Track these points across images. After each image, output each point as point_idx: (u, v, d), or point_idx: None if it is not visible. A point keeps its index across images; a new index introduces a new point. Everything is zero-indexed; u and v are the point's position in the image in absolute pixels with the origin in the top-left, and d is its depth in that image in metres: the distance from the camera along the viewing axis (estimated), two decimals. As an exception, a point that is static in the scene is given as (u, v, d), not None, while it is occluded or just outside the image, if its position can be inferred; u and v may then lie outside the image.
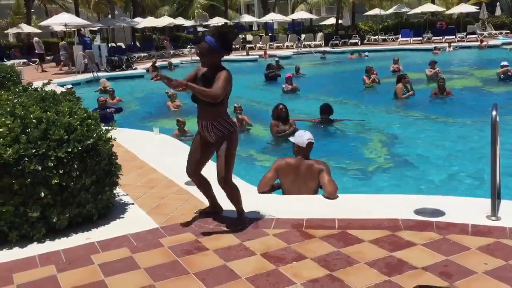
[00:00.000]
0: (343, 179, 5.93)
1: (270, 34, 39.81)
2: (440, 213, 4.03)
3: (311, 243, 3.69)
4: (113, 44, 31.03)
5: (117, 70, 21.81)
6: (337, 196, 4.54)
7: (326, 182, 4.59)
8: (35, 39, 26.47)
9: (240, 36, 39.75)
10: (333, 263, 3.35)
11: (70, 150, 3.85)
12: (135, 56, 27.48)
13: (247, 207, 4.35)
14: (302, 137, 4.93)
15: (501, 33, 33.29)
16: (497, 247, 3.44)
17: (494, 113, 3.88)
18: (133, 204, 4.64)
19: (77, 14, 30.95)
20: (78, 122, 4.06)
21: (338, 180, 4.74)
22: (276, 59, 21.29)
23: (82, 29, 30.23)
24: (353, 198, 4.61)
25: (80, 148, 3.92)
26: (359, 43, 33.32)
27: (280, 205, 4.43)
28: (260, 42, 35.73)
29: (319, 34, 35.76)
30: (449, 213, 4.01)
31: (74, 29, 30.03)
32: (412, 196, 4.72)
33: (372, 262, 3.32)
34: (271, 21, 41.48)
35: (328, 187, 4.56)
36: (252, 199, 4.55)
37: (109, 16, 34.33)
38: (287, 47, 34.14)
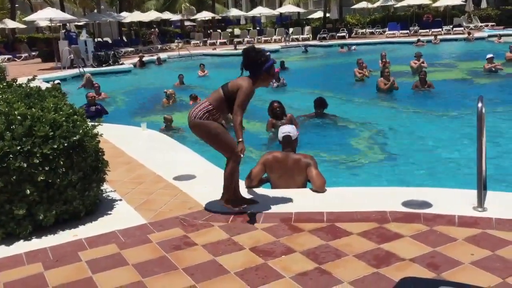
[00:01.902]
0: (332, 172, 5.94)
1: (258, 28, 39.76)
2: (427, 204, 4.06)
3: (300, 236, 3.70)
4: (100, 39, 30.76)
5: (103, 65, 21.63)
6: (326, 190, 4.55)
7: (314, 176, 4.59)
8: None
9: (227, 30, 39.64)
10: (322, 256, 3.36)
11: (55, 146, 3.81)
12: (122, 51, 27.26)
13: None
14: (280, 131, 4.96)
15: (487, 26, 33.54)
16: (483, 238, 3.48)
17: (480, 105, 3.91)
18: (121, 200, 4.61)
19: (63, 9, 30.58)
20: (63, 118, 4.01)
21: (326, 174, 4.75)
22: (282, 60, 21.07)
23: (67, 24, 29.85)
24: (341, 191, 4.63)
25: (66, 144, 3.88)
26: (346, 37, 33.38)
27: (269, 199, 4.43)
28: (248, 36, 35.65)
29: (307, 28, 35.76)
30: (436, 205, 4.03)
31: (59, 24, 29.69)
32: (400, 188, 4.74)
33: (360, 255, 3.34)
34: (259, 15, 41.38)
35: (317, 180, 4.57)
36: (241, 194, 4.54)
37: (95, 10, 34.00)
38: (275, 41, 34.11)
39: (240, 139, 3.87)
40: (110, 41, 31.06)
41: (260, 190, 4.74)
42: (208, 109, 3.99)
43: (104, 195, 4.66)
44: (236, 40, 33.82)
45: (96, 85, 14.14)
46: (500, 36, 24.88)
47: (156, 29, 38.24)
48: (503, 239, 3.43)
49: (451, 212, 3.88)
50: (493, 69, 14.51)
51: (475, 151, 3.92)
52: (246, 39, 34.82)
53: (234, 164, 4.08)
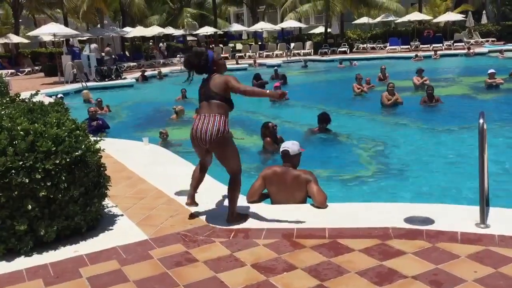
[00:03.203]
0: (333, 187, 5.93)
1: (259, 43, 40.01)
2: (430, 221, 4.04)
3: (302, 253, 3.68)
4: (103, 54, 30.95)
5: (106, 80, 21.74)
6: (327, 205, 4.54)
7: (315, 192, 4.59)
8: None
9: (229, 45, 39.88)
10: (324, 273, 3.34)
11: (58, 162, 3.81)
12: (124, 66, 27.42)
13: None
14: (281, 146, 5.06)
15: (487, 41, 33.70)
16: (486, 255, 3.45)
17: (481, 121, 3.92)
18: (122, 215, 4.60)
19: (66, 24, 30.86)
20: (66, 134, 4.02)
21: (328, 189, 4.74)
22: (275, 68, 21.21)
23: (70, 39, 30.08)
24: (343, 207, 4.61)
25: (68, 159, 3.88)
26: (348, 52, 33.56)
27: (270, 214, 4.42)
28: (250, 51, 35.86)
29: (308, 43, 35.98)
30: (438, 221, 4.02)
31: (62, 39, 29.92)
32: (402, 204, 4.73)
33: (363, 272, 3.32)
34: (261, 30, 41.66)
35: (318, 196, 4.56)
36: (242, 209, 4.54)
37: (98, 25, 34.27)
38: (277, 56, 34.29)
39: (267, 91, 4.28)
40: (113, 56, 31.23)
41: (261, 206, 4.74)
42: (225, 121, 4.10)
43: (105, 210, 4.66)
44: (238, 55, 34.02)
45: (98, 99, 14.21)
46: (503, 51, 24.98)
47: (165, 44, 38.53)
48: (506, 256, 3.41)
49: (453, 228, 3.87)
50: (494, 84, 14.55)
51: (477, 166, 3.91)
52: (248, 54, 35.01)
53: (239, 178, 4.24)
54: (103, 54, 24.43)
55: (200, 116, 4.17)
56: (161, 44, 38.56)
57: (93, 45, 26.60)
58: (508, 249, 3.50)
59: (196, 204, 4.36)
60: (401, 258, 3.49)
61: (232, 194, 4.27)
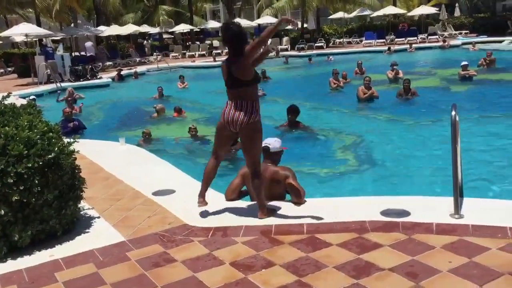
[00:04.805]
0: (311, 183, 5.96)
1: (236, 39, 39.78)
2: (406, 213, 4.09)
3: (280, 249, 3.69)
4: (77, 53, 30.48)
5: (81, 80, 21.42)
6: (305, 201, 4.55)
7: (293, 188, 4.60)
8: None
9: (206, 42, 39.66)
10: (302, 268, 3.35)
11: (30, 165, 3.74)
12: (100, 65, 27.05)
13: (215, 215, 4.35)
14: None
15: (460, 33, 34.23)
16: (461, 245, 3.51)
17: (453, 113, 3.99)
18: (99, 217, 4.54)
19: (39, 23, 30.23)
20: (38, 136, 3.95)
21: (305, 184, 4.76)
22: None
23: (44, 39, 29.51)
24: (320, 202, 4.64)
25: (40, 163, 3.82)
26: (324, 46, 33.70)
27: (249, 212, 4.42)
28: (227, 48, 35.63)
29: (285, 38, 36.01)
30: (414, 213, 4.07)
31: (35, 39, 29.35)
32: (379, 197, 4.77)
33: (340, 266, 3.35)
34: (237, 27, 41.44)
35: (296, 192, 4.57)
36: (221, 207, 4.53)
37: (72, 25, 33.70)
38: (254, 52, 34.16)
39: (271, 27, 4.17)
40: (106, 54, 30.77)
41: (239, 203, 4.73)
42: (257, 108, 4.18)
43: (81, 213, 4.59)
44: (215, 52, 33.85)
45: (69, 89, 14.05)
46: (475, 43, 25.44)
47: (149, 41, 38.11)
48: (480, 245, 3.47)
49: (429, 220, 3.93)
50: (467, 75, 14.80)
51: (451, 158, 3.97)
52: (225, 51, 34.85)
53: (259, 177, 4.25)
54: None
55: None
56: (145, 42, 38.17)
57: (89, 43, 26.48)
58: (482, 239, 3.57)
59: (206, 204, 4.36)
60: (378, 251, 3.53)
61: (260, 188, 4.27)
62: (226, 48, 4.31)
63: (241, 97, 4.16)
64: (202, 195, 4.39)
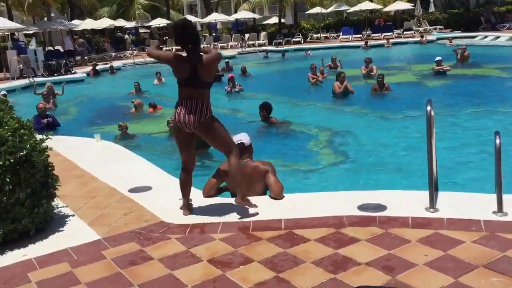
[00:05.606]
0: (289, 178, 5.95)
1: (214, 34, 39.63)
2: (382, 207, 4.13)
3: (258, 245, 3.68)
4: (51, 48, 29.89)
5: (55, 75, 21.01)
6: (284, 196, 4.55)
7: (272, 183, 4.59)
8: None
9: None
10: (280, 264, 3.35)
11: (1, 163, 3.64)
12: (78, 59, 26.60)
13: (193, 212, 4.32)
14: (234, 139, 4.92)
15: (435, 29, 34.72)
16: (436, 238, 3.56)
17: (428, 108, 4.03)
18: (73, 215, 4.46)
19: (11, 17, 29.51)
20: (9, 133, 3.85)
21: (283, 180, 4.76)
22: (226, 60, 21.05)
23: (16, 33, 28.84)
24: (298, 198, 4.64)
25: (12, 160, 3.72)
26: (302, 41, 33.78)
27: (227, 208, 4.39)
28: (204, 43, 35.41)
29: (263, 33, 35.94)
30: (390, 207, 4.11)
31: (7, 33, 28.65)
32: (355, 192, 4.78)
33: (318, 261, 3.35)
34: (214, 21, 41.30)
35: (274, 187, 4.57)
36: (198, 204, 4.50)
37: (45, 18, 33.02)
38: (232, 47, 34.08)
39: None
40: (61, 50, 30.17)
41: (217, 199, 4.70)
42: (209, 107, 4.13)
43: (55, 211, 4.49)
44: (192, 46, 33.53)
45: (48, 85, 13.77)
46: (451, 39, 25.86)
47: (130, 36, 37.59)
48: (454, 238, 3.52)
49: (405, 214, 3.96)
50: (441, 70, 15.04)
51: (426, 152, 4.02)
52: (202, 46, 34.55)
53: (236, 156, 4.16)
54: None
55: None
56: (126, 36, 37.60)
57: (68, 37, 26.61)
58: (457, 232, 3.62)
59: (190, 212, 4.31)
60: (355, 246, 3.55)
61: (237, 170, 4.17)
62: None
63: (198, 98, 4.07)
64: (185, 206, 4.33)
